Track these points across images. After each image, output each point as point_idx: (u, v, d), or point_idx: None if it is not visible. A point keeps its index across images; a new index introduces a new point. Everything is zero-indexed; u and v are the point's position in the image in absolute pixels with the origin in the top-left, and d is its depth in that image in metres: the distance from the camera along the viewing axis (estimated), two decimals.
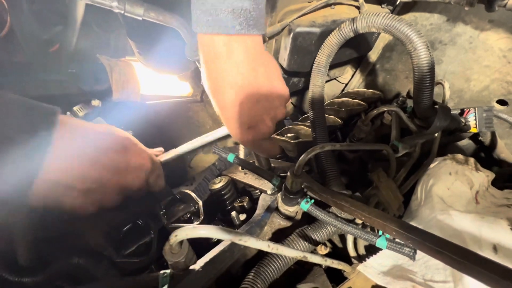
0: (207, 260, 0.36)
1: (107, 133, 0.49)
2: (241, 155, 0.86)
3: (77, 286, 0.43)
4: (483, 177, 0.58)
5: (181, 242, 0.32)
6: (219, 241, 0.48)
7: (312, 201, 0.48)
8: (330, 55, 0.65)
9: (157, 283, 0.38)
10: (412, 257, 0.39)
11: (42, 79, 0.59)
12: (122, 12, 0.48)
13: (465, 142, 0.81)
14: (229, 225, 0.67)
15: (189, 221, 0.56)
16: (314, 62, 0.67)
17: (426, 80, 0.55)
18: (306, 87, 0.95)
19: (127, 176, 0.49)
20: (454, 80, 0.81)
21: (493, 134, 0.75)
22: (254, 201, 0.69)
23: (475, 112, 0.66)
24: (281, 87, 0.54)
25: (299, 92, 1.06)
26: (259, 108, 0.51)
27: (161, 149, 0.62)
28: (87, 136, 0.46)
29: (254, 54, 0.47)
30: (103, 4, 0.46)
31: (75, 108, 0.62)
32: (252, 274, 0.40)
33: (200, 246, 0.43)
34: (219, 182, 0.69)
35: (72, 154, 0.43)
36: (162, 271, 0.39)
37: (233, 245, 0.40)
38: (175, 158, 0.68)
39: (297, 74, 0.87)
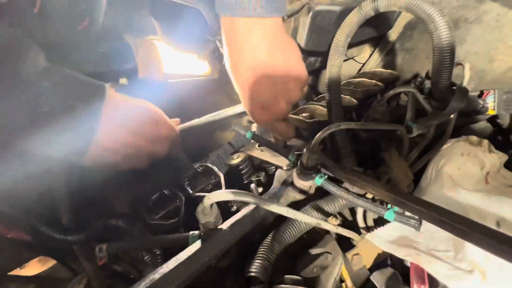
0: (233, 222, 0.41)
1: (143, 107, 0.57)
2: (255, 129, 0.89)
3: (118, 241, 0.50)
4: (495, 159, 0.59)
5: (211, 205, 0.37)
6: (238, 210, 0.53)
7: (326, 176, 0.52)
8: (349, 35, 0.65)
9: (187, 242, 0.44)
10: (418, 228, 0.43)
11: (76, 58, 0.63)
12: None
13: (482, 125, 0.81)
14: None
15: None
16: (333, 41, 0.67)
17: (446, 61, 0.55)
18: (322, 66, 0.95)
19: (157, 144, 0.58)
20: (477, 60, 0.78)
21: (511, 117, 0.74)
22: (269, 177, 0.73)
23: (494, 94, 0.66)
24: (299, 70, 0.55)
25: (314, 72, 1.06)
26: (274, 89, 0.52)
27: (178, 119, 0.70)
28: (128, 109, 0.53)
29: (272, 36, 0.49)
30: None
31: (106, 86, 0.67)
32: (270, 237, 0.45)
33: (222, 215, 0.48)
34: (237, 158, 0.74)
35: (116, 123, 0.50)
36: (191, 232, 0.44)
37: (254, 211, 0.45)
38: (192, 132, 0.73)
39: (314, 54, 0.87)
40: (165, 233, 0.52)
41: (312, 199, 0.59)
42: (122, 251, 0.52)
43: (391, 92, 0.62)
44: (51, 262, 0.71)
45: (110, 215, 0.58)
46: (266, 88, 0.52)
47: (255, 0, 0.44)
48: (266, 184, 0.70)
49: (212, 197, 0.35)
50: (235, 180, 0.74)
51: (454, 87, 0.61)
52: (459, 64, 0.66)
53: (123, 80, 0.70)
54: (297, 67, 0.54)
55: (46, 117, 0.42)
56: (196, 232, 0.44)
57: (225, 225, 0.40)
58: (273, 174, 0.67)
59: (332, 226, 0.46)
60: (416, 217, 0.43)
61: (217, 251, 0.38)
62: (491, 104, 0.66)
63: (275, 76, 0.51)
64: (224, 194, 0.34)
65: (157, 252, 0.49)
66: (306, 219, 0.43)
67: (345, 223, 0.62)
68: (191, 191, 0.56)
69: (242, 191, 0.36)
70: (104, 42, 0.69)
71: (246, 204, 0.68)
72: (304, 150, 0.51)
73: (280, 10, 0.47)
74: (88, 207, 0.66)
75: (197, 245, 0.38)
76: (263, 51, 0.49)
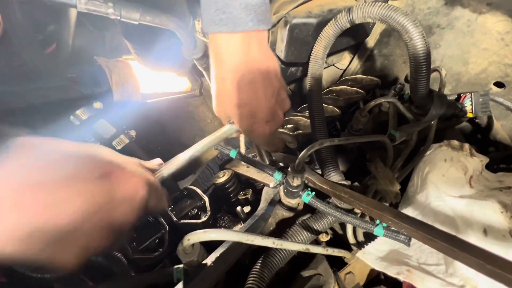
0: (218, 255, 0.39)
1: (83, 157, 0.36)
2: (242, 145, 0.88)
3: (99, 284, 0.46)
4: (477, 162, 0.60)
5: (193, 244, 0.35)
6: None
7: (313, 193, 0.51)
8: (327, 47, 0.65)
9: (172, 277, 0.41)
10: (407, 244, 0.42)
11: (42, 86, 0.60)
12: (119, 18, 0.47)
13: (462, 125, 0.83)
14: (234, 216, 0.70)
15: (197, 216, 0.59)
16: (311, 54, 0.67)
17: (422, 69, 0.55)
18: (304, 75, 0.95)
19: (115, 211, 0.36)
20: (452, 63, 0.81)
21: (489, 117, 0.76)
22: (257, 193, 0.72)
23: (471, 97, 0.67)
24: (282, 79, 0.55)
25: (297, 81, 1.06)
26: (273, 101, 0.52)
27: (158, 161, 0.48)
28: (54, 162, 0.33)
29: (265, 49, 0.48)
30: (99, 12, 0.46)
31: (77, 112, 0.63)
32: (259, 264, 0.44)
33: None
34: (223, 176, 0.72)
35: (31, 186, 0.30)
36: (176, 266, 0.42)
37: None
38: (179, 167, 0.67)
39: (295, 64, 0.87)
40: (149, 266, 0.50)
41: (302, 214, 0.58)
42: None
43: (372, 103, 0.62)
44: None
45: None
46: (266, 101, 0.50)
47: (246, 14, 0.42)
48: (254, 202, 0.68)
49: (191, 238, 0.33)
50: (222, 198, 0.72)
51: (432, 93, 0.62)
52: (436, 70, 0.67)
53: (97, 104, 0.67)
54: (281, 77, 0.54)
55: None
56: (181, 265, 0.42)
57: (210, 260, 0.38)
58: (261, 190, 0.66)
59: (321, 249, 0.44)
60: (405, 233, 0.42)
61: None
62: (468, 107, 0.68)
63: (273, 87, 0.50)
64: (204, 235, 0.32)
65: None
66: (294, 247, 0.42)
67: (336, 237, 0.62)
68: (175, 219, 0.53)
69: (222, 230, 0.34)
70: (74, 66, 0.66)
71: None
72: (289, 169, 0.50)
73: (266, 22, 0.46)
74: None
75: (180, 286, 0.35)
76: (259, 64, 0.48)
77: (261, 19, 0.44)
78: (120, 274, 0.48)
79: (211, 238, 0.33)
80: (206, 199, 0.58)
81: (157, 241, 0.52)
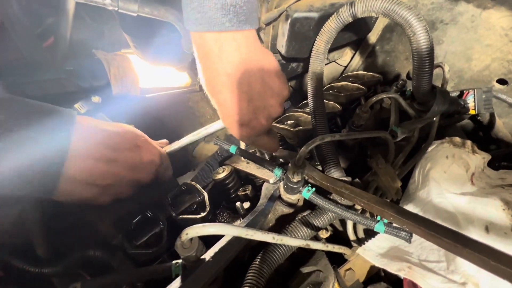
0: (216, 250, 0.38)
1: (122, 132, 0.52)
2: (242, 144, 0.87)
3: (95, 278, 0.46)
4: (479, 159, 0.59)
5: (191, 238, 0.34)
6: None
7: (314, 189, 0.50)
8: (328, 42, 0.64)
9: (170, 272, 0.41)
10: (408, 240, 0.42)
11: (40, 79, 0.59)
12: (116, 9, 0.46)
13: (464, 122, 0.82)
14: (234, 212, 0.69)
15: (196, 211, 0.58)
16: (313, 49, 0.66)
17: (425, 65, 0.54)
18: (305, 71, 0.94)
19: (141, 172, 0.54)
20: (455, 60, 0.80)
21: (491, 114, 0.76)
22: (257, 189, 0.71)
23: (474, 94, 0.66)
24: (277, 85, 0.52)
25: (298, 77, 1.05)
26: (252, 106, 0.50)
27: (166, 140, 0.65)
28: (102, 135, 0.49)
29: (246, 51, 0.46)
30: (96, 2, 0.45)
31: (76, 106, 0.63)
32: (258, 260, 0.43)
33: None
34: (222, 172, 0.71)
35: (90, 153, 0.46)
36: (174, 261, 0.41)
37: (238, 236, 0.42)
38: (178, 149, 0.69)
39: (296, 59, 0.86)
40: (147, 261, 0.49)
41: (301, 211, 0.58)
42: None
43: (374, 99, 0.61)
44: None
45: (90, 242, 0.55)
46: (243, 105, 0.49)
47: (223, 14, 0.41)
48: (254, 198, 0.68)
49: (190, 232, 0.32)
50: (221, 194, 0.71)
51: (435, 90, 0.61)
52: (439, 66, 0.66)
53: (95, 98, 0.66)
54: (275, 82, 0.51)
55: (2, 152, 0.38)
56: (180, 261, 0.41)
57: (208, 255, 0.37)
58: (261, 186, 0.65)
59: (321, 245, 0.44)
60: (407, 229, 0.42)
61: (201, 285, 0.35)
62: (471, 104, 0.67)
63: (252, 92, 0.48)
64: (202, 229, 0.32)
65: (139, 285, 0.46)
66: (294, 242, 0.41)
67: (336, 233, 0.61)
68: (174, 214, 0.53)
69: (222, 224, 0.34)
70: (72, 59, 0.65)
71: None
72: (289, 164, 0.49)
73: (250, 22, 0.44)
74: (67, 232, 0.61)
75: (178, 281, 0.35)
76: (236, 66, 0.46)
77: (243, 19, 0.43)
78: (118, 268, 0.47)
79: (209, 232, 0.32)
80: (205, 194, 0.57)
81: (155, 236, 0.51)
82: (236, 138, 0.58)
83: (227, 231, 0.33)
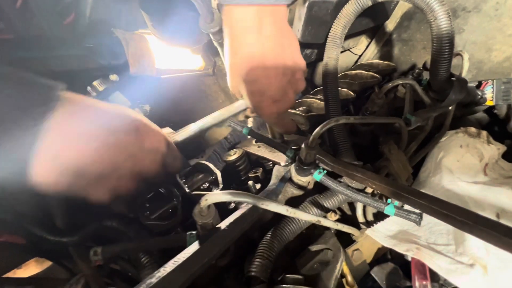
0: (231, 221, 0.40)
1: (117, 114, 0.43)
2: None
3: (114, 244, 0.48)
4: (494, 150, 0.59)
5: (209, 206, 0.36)
6: (236, 209, 0.52)
7: (325, 171, 0.51)
8: (346, 26, 0.63)
9: (185, 242, 0.43)
10: (418, 223, 0.42)
11: (63, 54, 0.60)
12: None
13: (479, 115, 0.81)
14: None
15: (209, 190, 0.60)
16: (329, 33, 0.65)
17: (445, 51, 0.54)
18: (318, 59, 0.93)
19: (142, 160, 0.44)
20: (474, 50, 0.78)
21: (508, 107, 0.74)
22: (267, 172, 0.72)
23: (493, 85, 0.65)
24: (301, 60, 0.53)
25: (310, 65, 1.04)
26: (285, 80, 0.51)
27: (168, 129, 0.57)
28: (94, 116, 0.40)
29: (281, 26, 0.47)
30: None
31: (94, 83, 0.64)
32: (270, 235, 0.45)
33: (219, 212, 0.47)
34: (234, 154, 0.73)
35: (76, 135, 0.37)
36: (189, 232, 0.43)
37: (252, 209, 0.44)
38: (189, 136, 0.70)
39: (311, 46, 0.85)
40: (162, 233, 0.51)
41: (311, 194, 0.59)
42: (118, 253, 0.50)
43: (390, 85, 0.61)
44: (48, 263, 0.70)
45: (105, 215, 0.57)
46: (276, 80, 0.49)
47: None
48: (264, 180, 0.69)
49: (209, 199, 0.33)
50: (232, 176, 0.72)
51: (453, 78, 0.60)
52: (458, 54, 0.65)
53: (113, 77, 0.67)
54: (300, 57, 0.52)
55: None
56: (194, 232, 0.43)
57: (223, 225, 0.39)
58: (271, 170, 0.66)
59: (332, 223, 0.45)
60: (417, 211, 0.42)
61: (215, 252, 0.37)
62: (489, 94, 0.66)
63: (285, 66, 0.49)
64: (221, 195, 0.33)
65: (155, 253, 0.48)
66: (306, 217, 0.42)
67: (344, 218, 0.62)
68: (187, 190, 0.55)
69: (239, 192, 0.35)
70: (92, 37, 0.67)
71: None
72: (302, 145, 0.50)
73: None
74: (83, 207, 0.64)
75: (195, 246, 0.37)
76: (275, 41, 0.46)
77: None
78: (134, 237, 0.50)
79: (227, 199, 0.34)
80: (218, 173, 0.59)
81: (170, 210, 0.53)
82: (245, 122, 0.59)
83: (245, 198, 0.35)
